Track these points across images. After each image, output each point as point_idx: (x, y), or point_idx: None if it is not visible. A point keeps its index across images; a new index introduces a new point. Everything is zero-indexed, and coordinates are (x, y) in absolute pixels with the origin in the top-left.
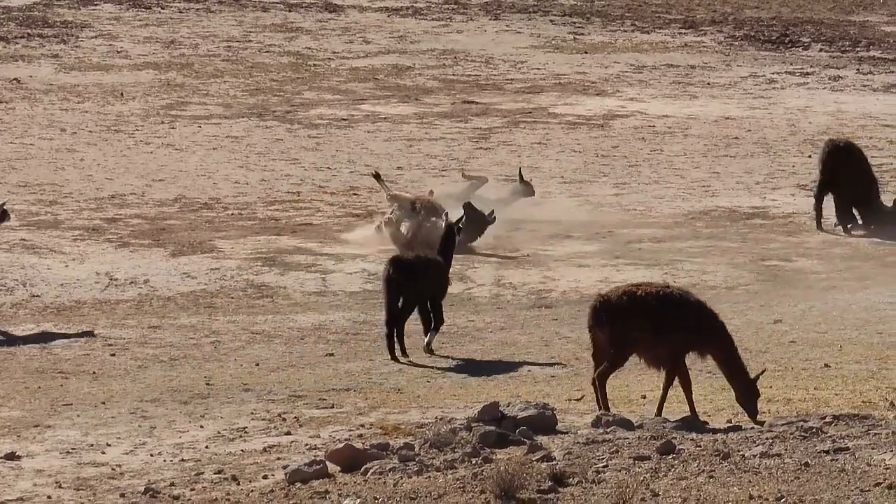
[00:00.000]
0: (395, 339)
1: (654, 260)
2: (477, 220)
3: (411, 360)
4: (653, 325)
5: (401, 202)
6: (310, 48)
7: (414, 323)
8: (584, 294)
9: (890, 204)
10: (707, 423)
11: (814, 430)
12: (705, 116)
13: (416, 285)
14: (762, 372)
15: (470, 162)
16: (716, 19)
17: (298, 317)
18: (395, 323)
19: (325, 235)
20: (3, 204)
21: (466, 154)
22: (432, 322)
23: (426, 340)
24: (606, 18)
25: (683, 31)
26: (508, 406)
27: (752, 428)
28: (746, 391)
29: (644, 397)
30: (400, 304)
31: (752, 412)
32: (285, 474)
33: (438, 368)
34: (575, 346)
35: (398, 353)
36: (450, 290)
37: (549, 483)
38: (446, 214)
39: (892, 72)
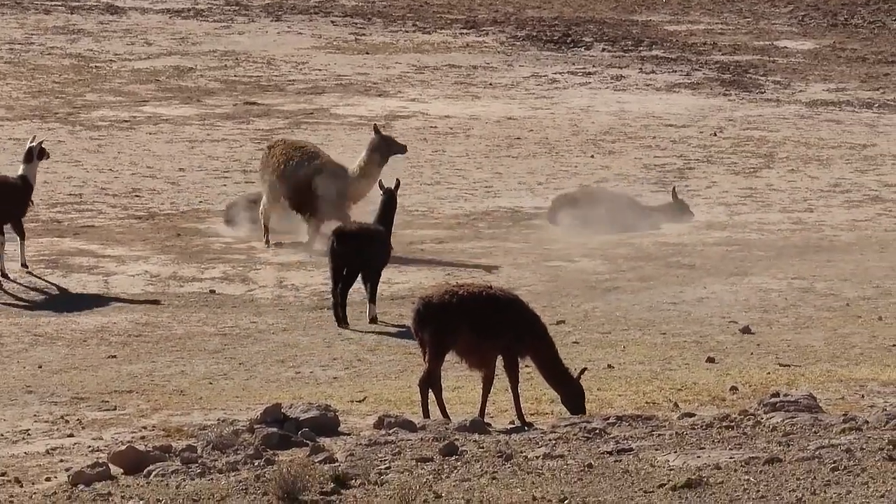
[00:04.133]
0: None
1: (436, 261)
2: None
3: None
4: (475, 327)
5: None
6: (92, 50)
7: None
8: (364, 295)
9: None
10: (490, 425)
11: (597, 431)
12: (487, 117)
13: (359, 255)
14: (583, 370)
15: (252, 163)
16: (497, 19)
17: (81, 319)
18: (342, 292)
19: (106, 237)
20: (41, 143)
21: (248, 155)
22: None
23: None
24: (388, 19)
25: (465, 31)
26: (291, 408)
27: (535, 429)
28: (571, 392)
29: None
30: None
31: (581, 412)
32: (68, 476)
33: (220, 371)
34: (357, 348)
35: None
36: (232, 291)
37: (332, 485)
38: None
39: (675, 71)
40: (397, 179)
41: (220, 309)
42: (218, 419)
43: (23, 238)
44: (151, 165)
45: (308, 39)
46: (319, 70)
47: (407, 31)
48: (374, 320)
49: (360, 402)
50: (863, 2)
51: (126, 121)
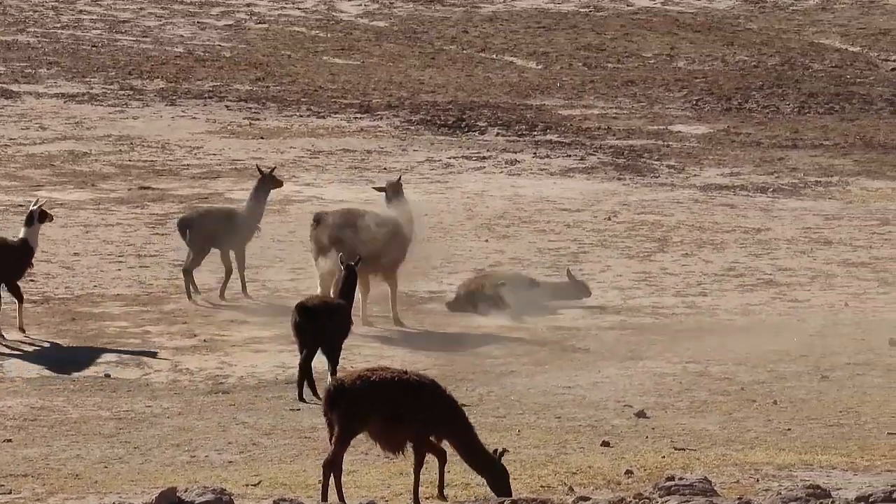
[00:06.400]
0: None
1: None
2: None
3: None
4: (387, 411)
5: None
6: None
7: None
8: (261, 379)
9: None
10: None
11: None
12: (381, 201)
13: (320, 329)
14: (503, 452)
15: (147, 247)
16: (392, 104)
17: None
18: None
19: (1, 322)
20: (42, 206)
21: (143, 240)
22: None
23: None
24: (282, 104)
25: (359, 115)
26: (186, 492)
27: None
28: (496, 476)
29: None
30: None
31: (507, 494)
32: None
33: (116, 455)
34: (252, 432)
35: (307, 394)
36: (127, 375)
37: None
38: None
39: (569, 155)
40: (359, 256)
41: (116, 393)
42: (113, 503)
43: (21, 301)
44: (46, 250)
45: (202, 124)
46: (214, 154)
47: (301, 116)
48: None
49: (255, 485)
50: (757, 86)
51: (21, 205)
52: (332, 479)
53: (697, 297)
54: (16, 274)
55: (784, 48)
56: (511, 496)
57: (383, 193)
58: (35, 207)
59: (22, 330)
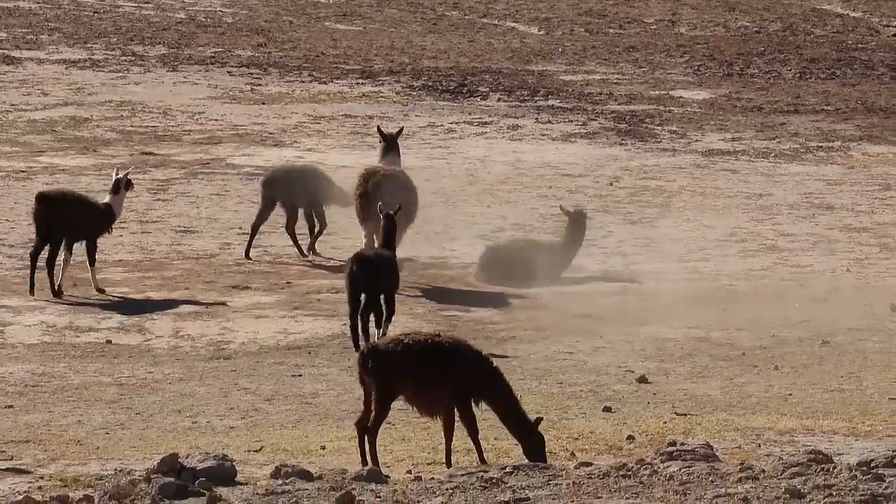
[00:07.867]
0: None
1: (333, 311)
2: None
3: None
4: (421, 374)
5: None
6: None
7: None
8: (262, 345)
9: None
10: (388, 476)
11: (494, 481)
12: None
13: (376, 280)
14: (539, 420)
15: (149, 213)
16: (393, 69)
17: None
18: (357, 316)
19: (3, 288)
20: (127, 174)
21: (145, 205)
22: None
23: (381, 333)
24: (284, 69)
25: (361, 81)
26: (188, 457)
27: (432, 479)
28: (531, 440)
29: (324, 448)
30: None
31: (542, 461)
32: None
33: (117, 421)
34: (253, 398)
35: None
36: (128, 341)
37: None
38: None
39: (571, 121)
40: (399, 205)
41: (117, 359)
42: (115, 469)
43: (92, 264)
44: None
45: (204, 90)
46: (216, 120)
47: (303, 82)
48: None
49: (256, 451)
50: (758, 52)
51: (23, 171)
52: (367, 443)
53: (699, 263)
54: (94, 234)
55: (786, 13)
56: (545, 461)
57: (382, 145)
58: (121, 176)
59: (100, 290)
